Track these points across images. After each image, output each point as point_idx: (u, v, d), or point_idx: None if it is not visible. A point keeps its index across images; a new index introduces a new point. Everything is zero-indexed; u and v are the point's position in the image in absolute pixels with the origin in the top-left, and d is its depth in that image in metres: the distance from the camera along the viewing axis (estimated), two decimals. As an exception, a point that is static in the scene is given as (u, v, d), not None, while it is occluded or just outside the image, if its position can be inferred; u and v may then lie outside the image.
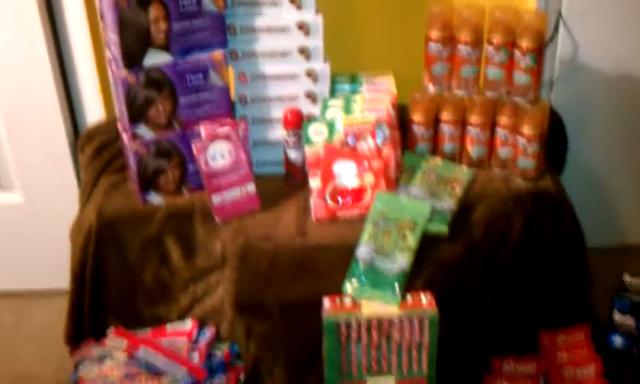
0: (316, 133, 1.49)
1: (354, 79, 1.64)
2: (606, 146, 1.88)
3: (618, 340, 1.58)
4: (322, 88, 1.54)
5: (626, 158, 1.89)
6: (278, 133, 1.55)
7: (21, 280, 1.92)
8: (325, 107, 1.53)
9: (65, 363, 1.56)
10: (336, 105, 1.52)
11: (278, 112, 1.54)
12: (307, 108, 1.55)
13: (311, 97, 1.55)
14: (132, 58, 1.38)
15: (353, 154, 1.46)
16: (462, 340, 1.45)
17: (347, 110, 1.51)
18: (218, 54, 1.46)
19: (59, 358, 1.63)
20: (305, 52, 1.52)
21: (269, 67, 1.52)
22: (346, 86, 1.61)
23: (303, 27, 1.50)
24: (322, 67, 1.53)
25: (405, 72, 1.60)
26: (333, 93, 1.58)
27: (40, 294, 1.90)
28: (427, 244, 1.39)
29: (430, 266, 1.38)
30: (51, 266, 1.78)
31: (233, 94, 1.53)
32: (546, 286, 1.52)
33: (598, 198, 1.92)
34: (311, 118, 1.52)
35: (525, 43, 1.46)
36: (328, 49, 1.53)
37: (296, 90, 1.54)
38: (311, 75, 1.53)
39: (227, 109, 1.50)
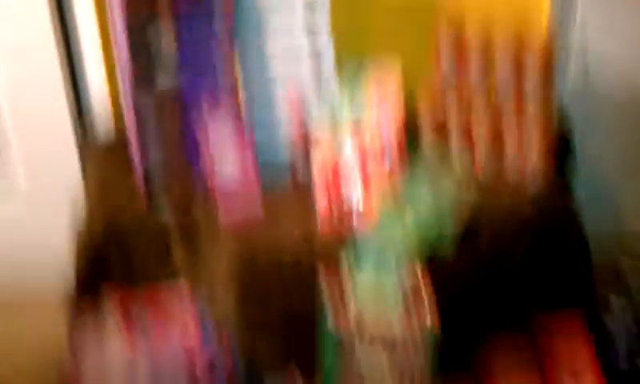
0: (324, 152, 1.49)
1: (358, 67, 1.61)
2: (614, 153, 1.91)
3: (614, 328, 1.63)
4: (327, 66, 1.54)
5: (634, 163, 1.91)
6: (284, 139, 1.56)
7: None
8: (333, 117, 1.53)
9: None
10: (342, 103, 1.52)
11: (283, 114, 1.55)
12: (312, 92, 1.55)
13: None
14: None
15: (360, 174, 1.47)
16: (460, 326, 1.47)
17: (355, 118, 1.51)
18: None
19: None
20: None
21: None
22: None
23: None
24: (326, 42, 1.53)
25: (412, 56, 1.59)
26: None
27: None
28: (432, 262, 1.41)
29: (433, 284, 1.39)
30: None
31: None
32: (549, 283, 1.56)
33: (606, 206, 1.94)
34: (319, 140, 1.52)
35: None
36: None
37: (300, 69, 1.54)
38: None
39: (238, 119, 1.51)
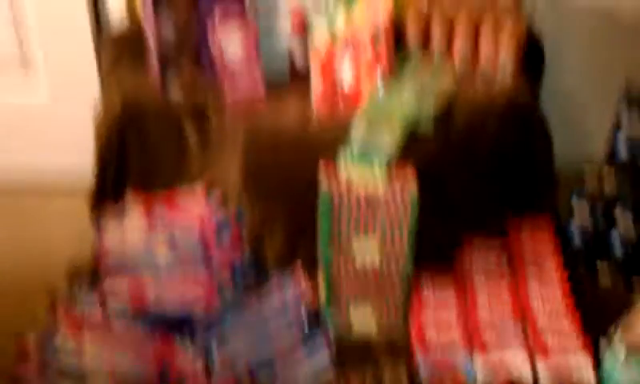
0: (320, 38, 1.66)
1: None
2: (584, 71, 2.08)
3: (576, 228, 1.80)
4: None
5: (599, 79, 2.09)
6: (286, 35, 1.72)
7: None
8: (328, 14, 1.70)
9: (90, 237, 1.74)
10: (337, 12, 1.69)
11: (286, 22, 1.71)
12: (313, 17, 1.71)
13: (318, 8, 1.70)
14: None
15: (353, 57, 1.63)
16: (438, 220, 1.65)
17: (348, 17, 1.68)
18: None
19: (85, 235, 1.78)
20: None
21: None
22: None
23: None
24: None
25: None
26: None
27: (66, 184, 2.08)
28: (413, 139, 1.58)
29: (412, 158, 1.56)
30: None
31: None
32: (516, 179, 1.73)
33: (570, 116, 2.13)
34: (315, 24, 1.69)
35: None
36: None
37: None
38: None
39: (242, 10, 1.65)
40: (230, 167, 1.65)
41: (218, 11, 1.63)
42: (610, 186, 1.77)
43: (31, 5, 1.94)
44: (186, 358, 1.47)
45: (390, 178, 1.51)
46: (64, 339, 1.47)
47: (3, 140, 2.10)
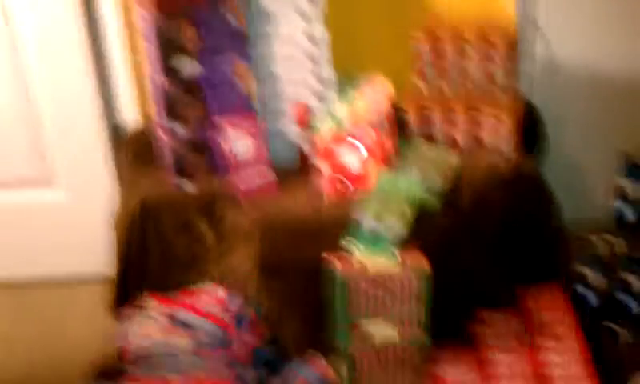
0: (323, 125, 1.72)
1: (352, 79, 1.86)
2: (583, 137, 2.13)
3: (589, 295, 1.81)
4: (329, 91, 1.80)
5: (601, 146, 2.13)
6: (292, 128, 1.80)
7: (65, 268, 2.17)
8: (330, 102, 1.78)
9: (107, 336, 1.76)
10: (339, 100, 1.77)
11: (289, 108, 1.79)
12: (314, 104, 1.80)
13: (318, 95, 1.80)
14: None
15: (357, 142, 1.69)
16: (450, 295, 1.67)
17: (350, 104, 1.76)
18: (241, 65, 1.71)
19: (105, 334, 1.81)
20: (313, 59, 1.77)
21: (282, 71, 1.77)
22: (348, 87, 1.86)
23: (312, 39, 1.76)
24: (328, 73, 1.79)
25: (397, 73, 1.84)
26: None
27: (83, 282, 2.14)
28: (422, 217, 1.62)
29: (423, 233, 1.60)
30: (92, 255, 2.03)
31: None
32: (524, 248, 1.77)
33: (575, 182, 2.17)
34: (318, 112, 1.77)
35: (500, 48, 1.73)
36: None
37: (306, 92, 1.79)
38: (319, 79, 1.79)
39: (247, 107, 1.74)
40: (245, 258, 1.69)
41: (226, 111, 1.71)
42: (620, 249, 1.80)
43: (45, 106, 2.01)
44: None
45: (401, 257, 1.55)
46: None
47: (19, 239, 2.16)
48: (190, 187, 1.74)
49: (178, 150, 1.72)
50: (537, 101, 1.99)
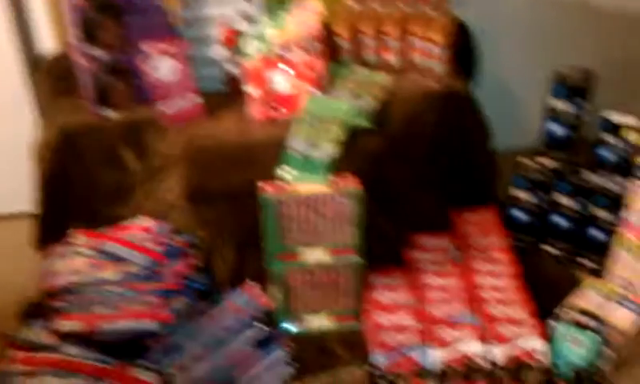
0: (252, 48, 1.67)
1: (282, 1, 1.81)
2: (515, 56, 2.14)
3: (519, 214, 1.83)
4: (257, 9, 1.73)
5: (531, 67, 2.12)
6: (220, 53, 1.73)
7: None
8: (259, 24, 1.71)
9: (35, 273, 1.70)
10: (269, 22, 1.71)
11: (216, 32, 1.72)
12: (243, 27, 1.72)
13: (246, 17, 1.73)
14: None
15: (286, 64, 1.65)
16: (384, 219, 1.67)
17: (279, 26, 1.70)
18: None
19: (32, 272, 1.75)
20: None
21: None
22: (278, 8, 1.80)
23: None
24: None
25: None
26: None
27: (6, 218, 2.08)
28: (353, 137, 1.60)
29: (354, 155, 1.59)
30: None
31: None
32: (457, 171, 1.76)
33: (506, 103, 2.18)
34: (246, 35, 1.71)
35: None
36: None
37: (232, 11, 1.71)
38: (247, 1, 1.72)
39: (171, 31, 1.67)
40: (174, 186, 1.64)
41: (146, 33, 1.63)
42: (549, 168, 1.81)
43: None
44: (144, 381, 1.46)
45: (333, 180, 1.53)
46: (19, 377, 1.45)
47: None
48: (112, 115, 1.67)
49: (98, 76, 1.63)
50: (470, 22, 1.96)
